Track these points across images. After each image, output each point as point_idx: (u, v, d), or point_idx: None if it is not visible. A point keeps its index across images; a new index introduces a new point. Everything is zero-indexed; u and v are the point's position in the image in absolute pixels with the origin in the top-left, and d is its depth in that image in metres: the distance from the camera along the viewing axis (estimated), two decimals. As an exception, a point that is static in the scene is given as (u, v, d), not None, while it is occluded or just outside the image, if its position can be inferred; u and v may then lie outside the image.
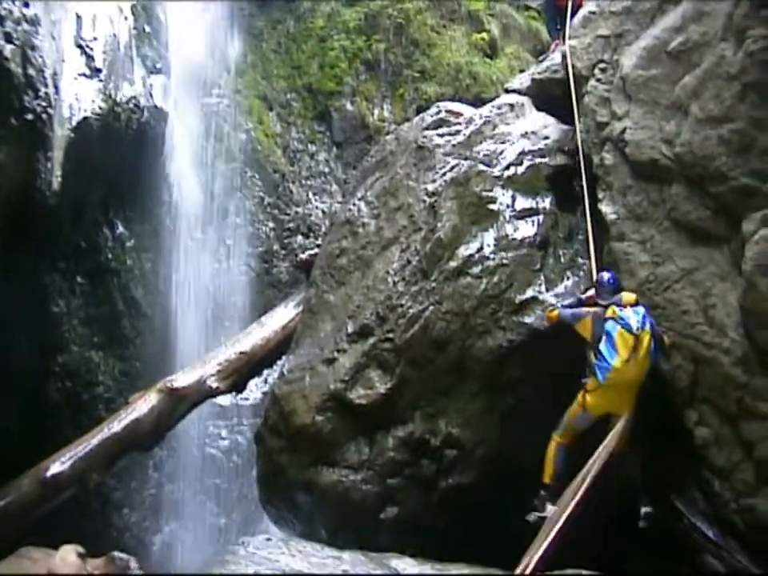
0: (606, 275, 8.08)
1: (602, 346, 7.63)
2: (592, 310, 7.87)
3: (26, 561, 8.11)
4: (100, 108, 11.18)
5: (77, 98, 10.79)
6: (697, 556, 7.77)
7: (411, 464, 8.39)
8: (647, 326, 7.58)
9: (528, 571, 6.57)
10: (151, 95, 12.37)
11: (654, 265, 8.00)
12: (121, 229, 12.40)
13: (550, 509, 7.64)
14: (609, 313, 7.70)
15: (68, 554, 7.10)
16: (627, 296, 7.81)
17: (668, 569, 7.79)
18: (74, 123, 10.67)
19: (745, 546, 7.43)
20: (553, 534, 6.97)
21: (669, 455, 7.98)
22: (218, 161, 13.75)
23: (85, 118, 10.83)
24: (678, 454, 7.89)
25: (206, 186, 13.50)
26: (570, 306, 8.10)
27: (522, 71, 13.04)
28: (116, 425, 9.92)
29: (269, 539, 8.01)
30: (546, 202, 9.03)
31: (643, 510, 8.79)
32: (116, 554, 7.07)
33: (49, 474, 9.42)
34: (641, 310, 7.68)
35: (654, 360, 7.60)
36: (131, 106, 11.82)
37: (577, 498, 7.17)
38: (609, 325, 7.64)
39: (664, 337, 7.70)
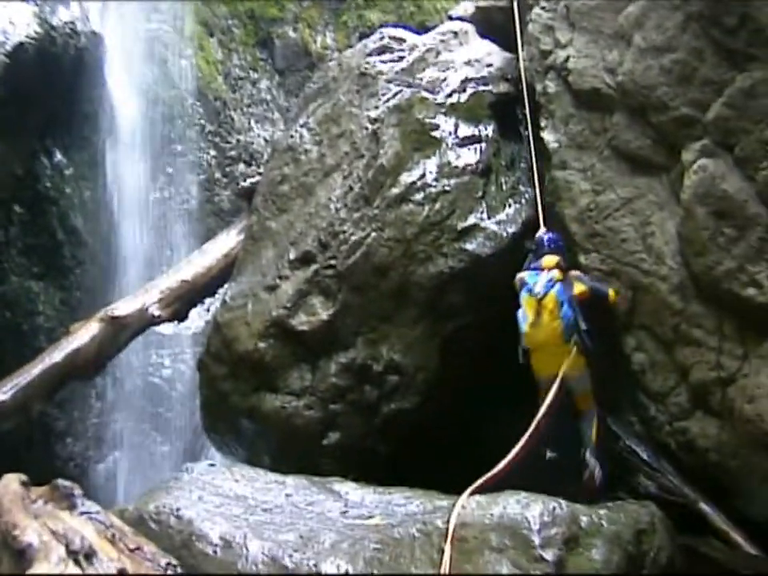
0: (544, 237, 8.06)
1: (519, 311, 7.73)
2: (519, 275, 7.95)
3: (-33, 490, 8.08)
4: (36, 33, 10.94)
5: (11, 23, 10.54)
6: (632, 477, 7.97)
7: (353, 390, 8.46)
8: (553, 292, 7.61)
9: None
10: (88, 19, 12.09)
11: (594, 193, 8.07)
12: (59, 157, 12.21)
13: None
14: (524, 277, 7.82)
15: (11, 482, 7.02)
16: (548, 260, 7.85)
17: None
18: (8, 48, 10.45)
19: (677, 467, 7.67)
20: (505, 460, 7.13)
21: (606, 379, 8.14)
22: (157, 88, 13.49)
23: (20, 44, 10.61)
24: (615, 378, 8.05)
25: (146, 114, 13.24)
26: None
27: (466, -1, 12.92)
28: (57, 354, 9.85)
29: (212, 465, 8.08)
30: (488, 130, 9.01)
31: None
32: (60, 481, 7.01)
33: (-10, 404, 9.39)
34: (554, 274, 7.72)
35: (568, 322, 7.59)
36: (68, 30, 11.57)
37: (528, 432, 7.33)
38: (523, 290, 7.77)
39: (609, 291, 7.79)
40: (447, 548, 5.91)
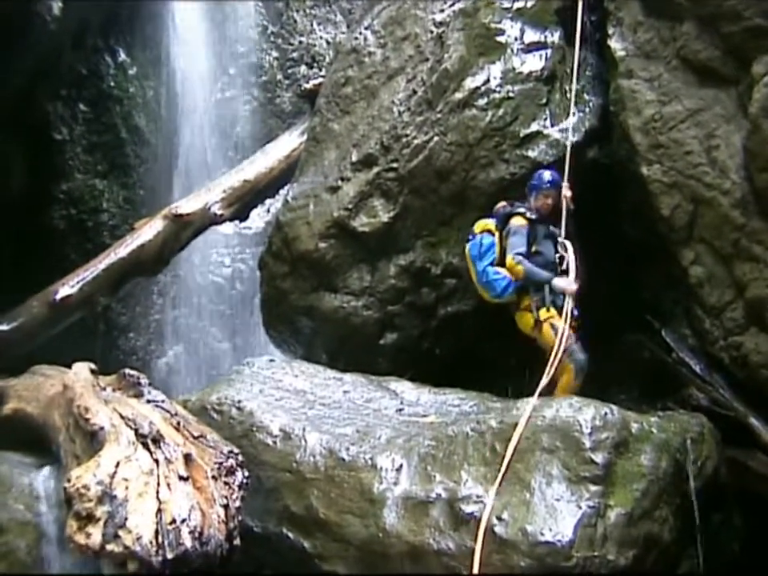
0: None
1: None
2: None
3: (39, 377, 8.42)
4: (98, -70, 10.90)
5: None
6: (683, 389, 8.04)
7: (411, 291, 8.60)
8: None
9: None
10: None
11: (660, 103, 7.94)
12: (123, 56, 12.28)
13: None
14: None
15: (81, 370, 7.33)
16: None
17: (654, 399, 8.08)
18: (69, -54, 10.39)
19: (729, 381, 7.70)
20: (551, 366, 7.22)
21: (662, 291, 8.17)
22: (220, -13, 13.43)
23: (80, -59, 10.56)
24: (672, 290, 8.07)
25: (207, 14, 13.21)
26: None
27: None
28: (122, 250, 10.11)
29: (272, 360, 8.27)
30: (554, 36, 8.85)
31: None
32: (127, 370, 7.30)
33: (58, 296, 9.67)
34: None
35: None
36: (130, -73, 11.52)
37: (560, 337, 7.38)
38: None
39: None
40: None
